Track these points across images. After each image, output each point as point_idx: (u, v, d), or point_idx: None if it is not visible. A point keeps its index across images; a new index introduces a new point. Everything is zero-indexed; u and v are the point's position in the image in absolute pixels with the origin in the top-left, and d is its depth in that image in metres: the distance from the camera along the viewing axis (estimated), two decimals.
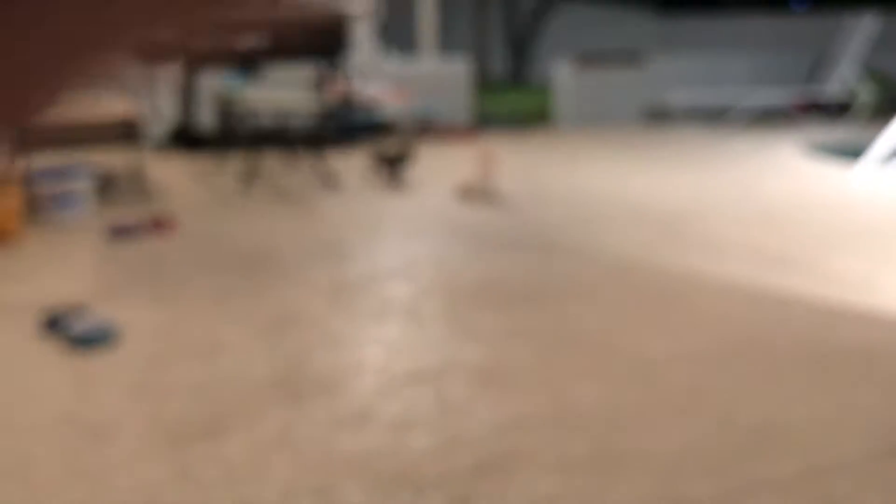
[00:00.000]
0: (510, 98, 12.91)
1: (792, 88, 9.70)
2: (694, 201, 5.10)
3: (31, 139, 4.57)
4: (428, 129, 8.08)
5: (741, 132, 8.45)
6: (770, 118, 9.32)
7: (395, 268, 3.53)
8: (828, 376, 2.43)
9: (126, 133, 4.72)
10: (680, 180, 5.85)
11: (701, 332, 2.80)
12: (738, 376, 2.45)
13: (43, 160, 4.93)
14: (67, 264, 3.54)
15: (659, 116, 9.58)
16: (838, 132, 8.19)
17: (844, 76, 9.18)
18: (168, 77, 6.78)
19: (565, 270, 3.53)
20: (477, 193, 4.99)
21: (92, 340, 2.56)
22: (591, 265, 3.61)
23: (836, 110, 9.20)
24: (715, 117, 9.15)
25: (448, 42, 17.53)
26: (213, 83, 6.83)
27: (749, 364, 2.54)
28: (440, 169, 6.19)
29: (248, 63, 6.78)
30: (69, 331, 2.60)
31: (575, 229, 4.31)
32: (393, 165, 5.52)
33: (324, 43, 6.95)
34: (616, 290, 3.26)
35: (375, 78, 8.06)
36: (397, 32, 10.57)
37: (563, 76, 9.36)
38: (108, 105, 5.05)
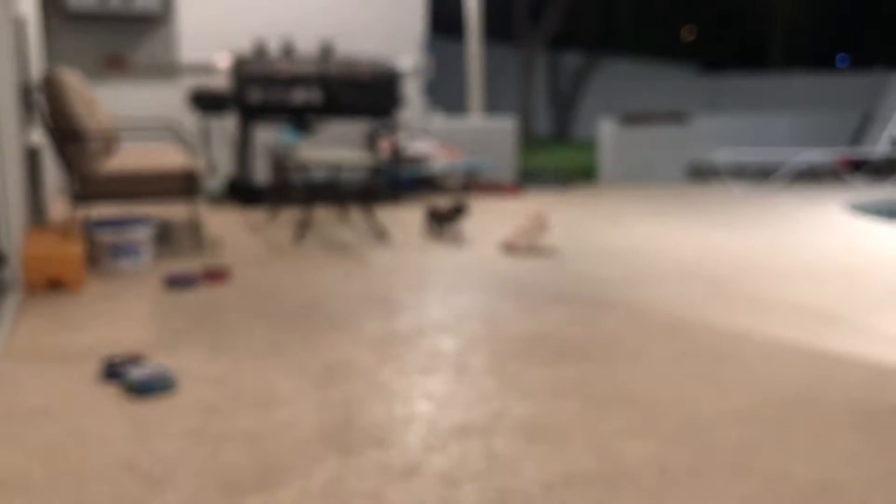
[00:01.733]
0: (555, 155, 12.96)
1: (837, 147, 9.59)
2: (739, 259, 5.03)
3: (93, 190, 4.69)
4: (474, 184, 8.12)
5: (786, 190, 8.35)
6: (815, 176, 9.21)
7: (443, 321, 3.52)
8: (879, 437, 2.35)
9: (185, 185, 4.81)
10: (725, 238, 5.78)
11: (750, 391, 2.73)
12: (788, 435, 2.37)
13: (105, 210, 5.05)
14: (126, 313, 3.59)
15: (703, 174, 9.52)
16: (884, 191, 8.05)
17: (891, 135, 9.05)
18: (225, 131, 6.94)
19: (613, 327, 3.48)
20: (523, 248, 4.99)
21: (149, 388, 2.58)
22: (639, 322, 3.56)
23: (882, 169, 9.05)
24: (760, 176, 9.06)
25: (494, 100, 17.74)
26: (268, 137, 6.96)
27: (799, 423, 2.47)
28: (487, 223, 6.20)
29: (301, 118, 6.91)
30: (127, 378, 2.62)
31: (622, 285, 4.26)
32: (446, 221, 5.51)
33: (376, 100, 7.05)
34: (664, 347, 3.20)
35: (423, 135, 8.15)
36: (443, 92, 10.74)
37: (607, 133, 9.37)
38: (168, 157, 5.16)
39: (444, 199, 5.83)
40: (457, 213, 5.47)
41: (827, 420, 2.50)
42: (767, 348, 3.20)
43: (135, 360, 2.82)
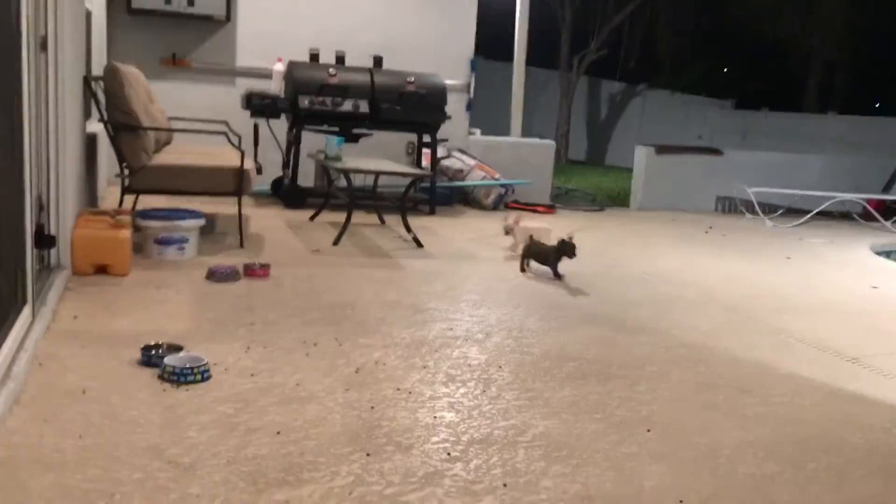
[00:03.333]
0: (589, 179, 12.87)
1: (870, 189, 9.40)
2: (765, 292, 4.93)
3: (143, 180, 4.72)
4: (510, 201, 8.07)
5: (815, 229, 8.20)
6: (845, 218, 9.04)
7: (471, 333, 3.48)
8: None
9: (234, 183, 4.83)
10: (752, 270, 5.68)
11: (770, 425, 2.65)
12: (807, 474, 2.30)
13: (155, 201, 5.08)
14: (168, 301, 3.60)
15: (734, 207, 9.39)
16: None
17: None
18: (275, 134, 6.97)
19: (637, 349, 3.42)
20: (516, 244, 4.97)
21: (185, 376, 2.57)
22: (663, 346, 3.49)
23: None
24: (790, 213, 8.91)
25: (531, 123, 17.66)
26: (315, 142, 6.97)
27: (819, 462, 2.39)
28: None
29: (348, 126, 6.91)
30: (164, 365, 2.62)
31: (648, 309, 4.20)
32: (549, 260, 4.71)
33: (421, 113, 7.04)
34: (687, 372, 3.13)
35: (464, 152, 8.12)
36: (482, 113, 10.69)
37: (642, 161, 9.27)
38: (220, 156, 5.19)
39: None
40: (563, 253, 4.64)
41: (846, 461, 2.41)
42: (789, 383, 3.12)
43: (173, 348, 2.82)
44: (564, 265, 4.74)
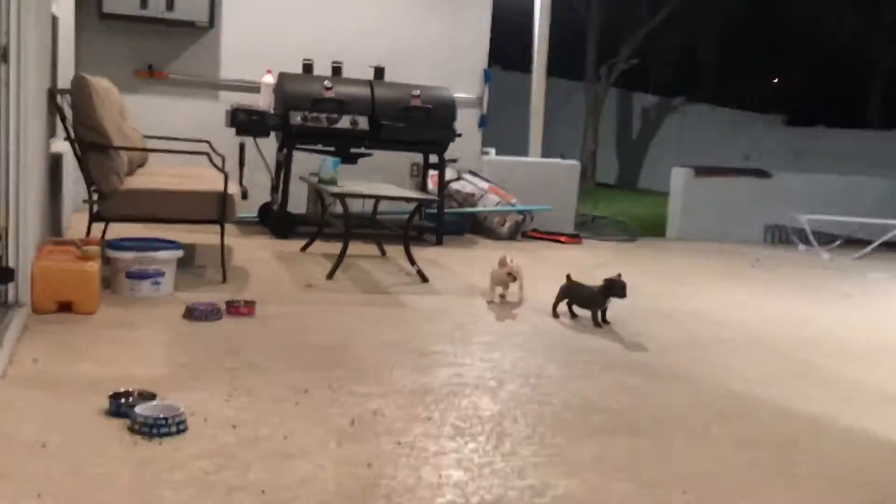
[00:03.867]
0: (619, 205, 12.92)
1: None
2: (819, 333, 4.93)
3: (115, 206, 4.78)
4: (529, 230, 8.12)
5: (877, 262, 8.19)
6: None
7: (483, 379, 3.50)
8: None
9: (217, 210, 4.88)
10: (803, 309, 5.68)
11: (826, 488, 2.65)
12: None
13: (127, 229, 5.15)
14: (140, 343, 3.63)
15: (784, 237, 9.41)
16: None
17: None
18: (263, 154, 7.05)
19: (672, 399, 3.43)
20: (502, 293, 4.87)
21: (158, 427, 2.60)
22: (701, 395, 3.50)
23: None
24: (848, 243, 8.92)
25: (554, 141, 17.75)
26: (308, 164, 7.05)
27: None
28: (541, 275, 6.18)
29: (345, 146, 6.99)
30: (135, 415, 2.64)
31: (684, 353, 4.20)
32: (593, 305, 4.65)
33: (427, 131, 7.11)
34: (728, 427, 3.14)
35: (477, 174, 8.18)
36: (498, 130, 10.73)
37: (679, 185, 9.33)
38: (201, 178, 5.25)
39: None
40: (610, 294, 4.58)
41: None
42: (846, 438, 3.12)
43: (145, 396, 2.85)
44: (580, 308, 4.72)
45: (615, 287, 4.59)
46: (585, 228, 9.10)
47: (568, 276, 4.84)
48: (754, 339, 4.64)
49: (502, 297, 5.00)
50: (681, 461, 2.77)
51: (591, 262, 6.77)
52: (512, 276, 4.88)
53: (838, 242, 8.91)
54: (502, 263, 4.93)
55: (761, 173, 9.87)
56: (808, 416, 3.35)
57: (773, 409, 3.42)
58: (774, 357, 4.32)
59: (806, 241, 8.97)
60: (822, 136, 18.06)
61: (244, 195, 5.62)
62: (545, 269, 6.43)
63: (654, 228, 10.01)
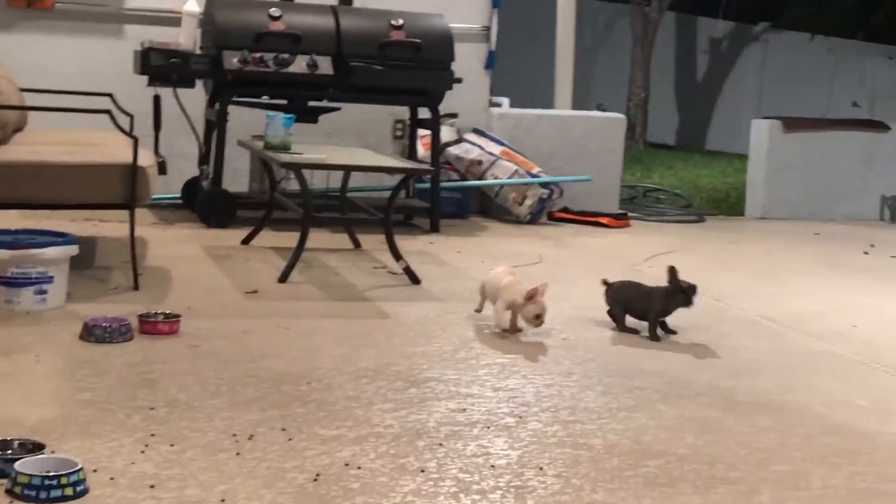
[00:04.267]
0: (680, 172, 12.93)
1: None
2: None
3: None
4: (557, 210, 8.11)
5: None
6: None
7: (496, 414, 3.49)
8: None
9: (122, 189, 4.86)
10: None
11: None
12: None
13: (2, 219, 5.13)
14: (21, 374, 3.62)
15: None
16: None
17: None
18: (187, 112, 7.03)
19: (757, 437, 3.42)
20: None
21: (47, 490, 2.59)
22: (798, 432, 3.50)
23: None
24: None
25: (592, 87, 17.72)
26: (251, 123, 7.04)
27: None
28: (573, 270, 6.18)
29: (301, 98, 6.96)
30: (15, 473, 2.64)
31: (773, 374, 4.20)
32: (654, 314, 4.70)
33: (414, 76, 7.09)
34: (837, 472, 3.14)
35: (484, 133, 8.16)
36: (514, 76, 10.71)
37: (762, 144, 9.32)
38: (102, 146, 5.23)
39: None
40: (674, 301, 4.66)
41: None
42: None
43: (30, 448, 2.84)
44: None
45: (683, 292, 4.62)
46: (635, 206, 9.10)
47: (605, 282, 4.82)
48: (870, 355, 4.64)
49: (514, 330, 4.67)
50: None
51: (644, 252, 6.77)
52: (540, 320, 4.55)
53: None
54: (531, 297, 4.51)
55: (876, 125, 9.88)
56: None
57: (895, 449, 3.42)
58: (895, 378, 4.33)
59: None
60: None
61: (161, 168, 5.60)
62: (581, 263, 6.44)
63: (728, 204, 10.01)
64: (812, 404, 3.84)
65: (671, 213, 8.95)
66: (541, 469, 3.04)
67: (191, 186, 7.34)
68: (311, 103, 7.04)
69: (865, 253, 7.53)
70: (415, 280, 5.43)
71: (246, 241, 6.26)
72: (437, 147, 7.36)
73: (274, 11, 6.90)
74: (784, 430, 3.52)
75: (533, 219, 7.87)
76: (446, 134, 7.80)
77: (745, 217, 9.32)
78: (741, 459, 3.22)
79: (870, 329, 5.14)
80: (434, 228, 7.18)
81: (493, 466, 3.03)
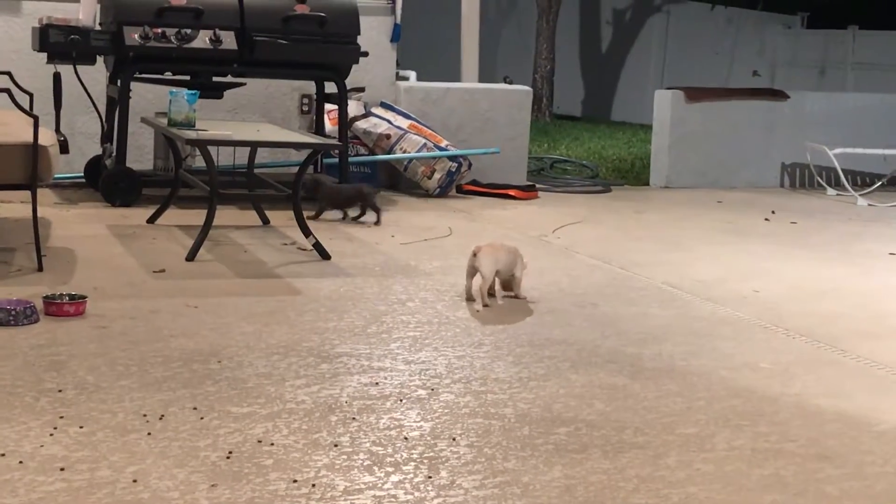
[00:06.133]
0: (585, 143, 13.04)
1: None
2: (856, 308, 5.06)
3: None
4: (466, 183, 8.14)
5: None
6: None
7: (408, 387, 3.51)
8: None
9: (22, 168, 4.79)
10: (835, 274, 5.82)
11: None
12: None
13: None
14: None
15: (808, 179, 9.59)
16: None
17: None
18: (87, 89, 6.93)
19: (664, 402, 3.49)
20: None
21: None
22: (701, 396, 3.57)
23: None
24: (892, 184, 9.15)
25: (498, 60, 17.74)
26: (154, 100, 6.96)
27: None
28: (483, 242, 6.21)
29: (204, 74, 6.90)
30: None
31: (678, 340, 4.27)
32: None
33: (319, 49, 7.06)
34: (739, 434, 3.21)
35: (391, 107, 8.15)
36: (421, 48, 10.71)
37: (665, 114, 9.42)
38: (1, 127, 5.14)
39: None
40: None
41: None
42: (892, 444, 3.21)
43: None
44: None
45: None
46: (542, 177, 9.16)
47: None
48: (770, 319, 4.73)
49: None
50: (677, 484, 2.82)
51: (552, 223, 6.83)
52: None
53: (879, 183, 9.13)
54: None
55: (776, 94, 10.04)
56: (841, 417, 3.44)
57: (797, 410, 3.50)
58: (796, 340, 4.41)
59: (836, 184, 9.17)
60: (855, 41, 18.40)
61: (63, 147, 5.52)
62: (491, 235, 6.46)
63: (634, 174, 10.12)
64: (716, 368, 3.92)
65: (578, 184, 9.03)
66: (453, 440, 3.06)
67: (94, 165, 7.24)
68: (215, 79, 6.98)
69: (766, 219, 7.66)
70: (325, 256, 5.43)
71: (152, 220, 6.20)
72: (344, 122, 7.34)
73: None
74: (689, 395, 3.59)
75: (442, 192, 7.89)
76: (353, 108, 7.78)
77: (650, 187, 9.42)
78: (648, 424, 3.28)
79: (771, 293, 5.24)
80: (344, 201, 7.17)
81: (406, 438, 3.06)
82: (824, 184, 9.30)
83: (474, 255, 4.69)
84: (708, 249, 6.42)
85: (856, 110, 9.91)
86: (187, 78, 6.85)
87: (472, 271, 4.71)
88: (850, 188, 8.95)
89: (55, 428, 2.98)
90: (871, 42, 18.08)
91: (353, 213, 6.63)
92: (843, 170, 9.01)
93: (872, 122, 9.70)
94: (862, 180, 9.29)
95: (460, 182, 8.08)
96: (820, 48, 18.69)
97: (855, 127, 9.55)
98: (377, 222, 6.50)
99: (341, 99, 7.24)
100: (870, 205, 8.52)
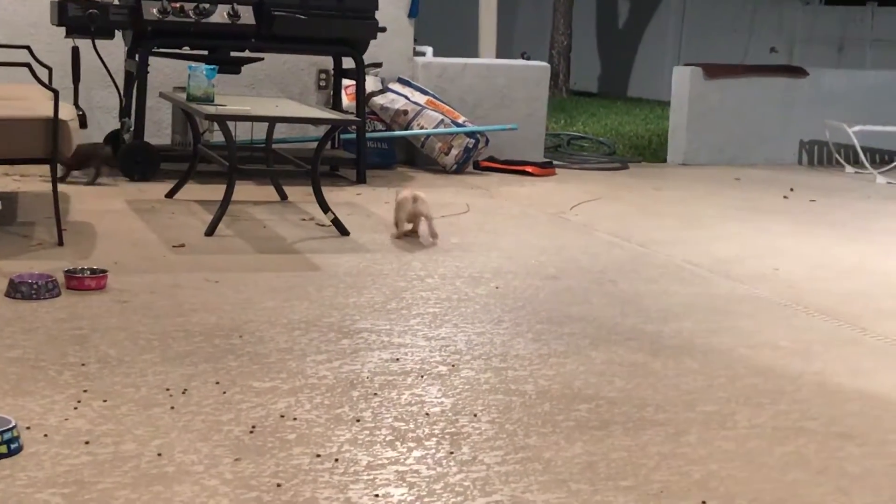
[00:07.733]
0: (603, 120, 13.00)
1: None
2: (877, 286, 5.05)
3: None
4: (483, 159, 8.13)
5: None
6: None
7: (429, 363, 3.53)
8: None
9: (43, 144, 4.80)
10: (857, 252, 5.80)
11: (887, 486, 2.74)
12: None
13: None
14: None
15: (827, 156, 9.56)
16: None
17: None
18: (106, 63, 6.93)
19: (684, 381, 3.49)
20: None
21: None
22: (723, 374, 3.57)
23: None
24: None
25: (515, 36, 17.67)
26: (172, 75, 6.96)
27: None
28: (500, 219, 6.22)
29: (223, 49, 6.90)
30: None
31: (698, 319, 4.28)
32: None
33: (337, 25, 7.05)
34: (760, 412, 3.22)
35: (409, 83, 8.14)
36: (438, 23, 10.68)
37: (684, 91, 9.38)
38: (20, 100, 5.15)
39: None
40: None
41: None
42: None
43: None
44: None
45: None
46: (560, 154, 9.14)
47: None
48: (791, 297, 4.73)
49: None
50: (698, 461, 2.83)
51: (570, 199, 6.82)
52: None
53: None
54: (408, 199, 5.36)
55: (794, 71, 10.00)
56: (863, 395, 3.45)
57: (817, 388, 3.50)
58: (816, 319, 4.41)
59: (855, 162, 9.14)
60: (874, 18, 18.28)
61: (82, 122, 5.53)
62: (509, 212, 6.47)
63: (651, 150, 10.09)
64: (736, 346, 3.92)
65: (595, 161, 9.00)
66: (475, 416, 3.08)
67: (113, 140, 7.25)
68: (233, 54, 6.97)
69: (785, 197, 7.64)
70: (343, 231, 5.43)
71: (170, 195, 6.21)
72: (362, 97, 7.33)
73: None
74: (710, 373, 3.60)
75: (459, 168, 7.88)
76: (371, 84, 7.77)
77: (668, 164, 9.40)
78: (669, 401, 3.29)
79: (790, 272, 5.23)
80: (361, 179, 7.17)
81: (427, 414, 3.07)
82: (843, 161, 9.26)
83: (414, 200, 5.31)
84: (727, 227, 6.41)
85: (875, 87, 9.85)
86: (205, 53, 6.85)
87: (414, 216, 5.35)
88: (868, 166, 8.92)
89: (79, 401, 3.00)
90: (890, 18, 17.95)
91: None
92: (861, 147, 8.97)
93: (891, 100, 9.66)
94: (881, 158, 9.26)
95: (477, 158, 8.07)
96: (838, 24, 18.55)
97: (874, 104, 9.50)
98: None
99: (359, 74, 7.24)
100: (889, 182, 8.48)
